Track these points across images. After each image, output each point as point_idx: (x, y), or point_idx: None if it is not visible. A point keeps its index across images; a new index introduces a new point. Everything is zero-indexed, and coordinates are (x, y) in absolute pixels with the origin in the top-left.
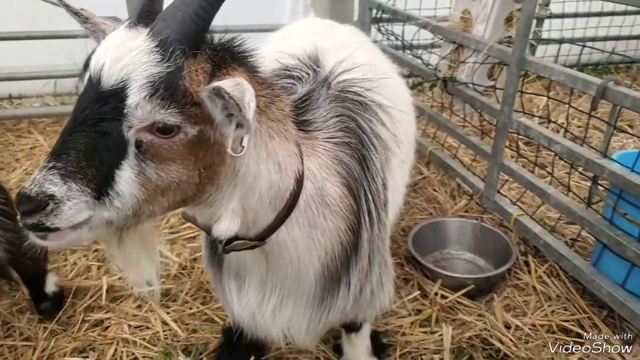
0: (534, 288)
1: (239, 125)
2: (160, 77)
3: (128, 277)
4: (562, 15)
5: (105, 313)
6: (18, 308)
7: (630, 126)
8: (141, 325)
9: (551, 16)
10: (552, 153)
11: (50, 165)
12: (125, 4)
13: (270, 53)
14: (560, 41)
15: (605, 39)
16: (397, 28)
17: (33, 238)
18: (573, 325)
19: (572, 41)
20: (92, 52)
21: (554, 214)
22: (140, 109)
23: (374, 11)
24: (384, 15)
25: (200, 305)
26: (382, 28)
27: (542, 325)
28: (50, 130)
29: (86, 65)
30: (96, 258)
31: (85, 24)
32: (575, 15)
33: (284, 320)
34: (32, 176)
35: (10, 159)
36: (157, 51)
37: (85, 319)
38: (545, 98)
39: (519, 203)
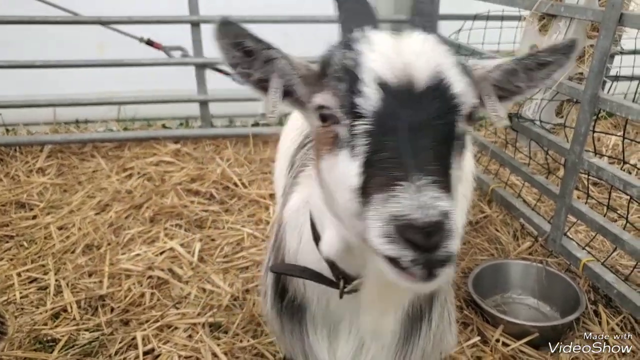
0: (606, 341)
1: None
2: (458, 63)
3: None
4: (634, 52)
5: (157, 342)
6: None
7: None
8: (191, 356)
9: (622, 52)
10: (624, 195)
11: (424, 181)
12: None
13: None
14: (631, 78)
15: None
16: None
17: (424, 283)
18: None
19: None
20: (358, 65)
21: (627, 261)
22: (466, 95)
23: None
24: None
25: (251, 339)
26: None
27: None
28: (112, 155)
29: (353, 79)
30: (150, 285)
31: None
32: None
33: None
34: (409, 202)
35: (73, 181)
36: (440, 42)
37: (137, 346)
38: (614, 137)
39: (588, 248)
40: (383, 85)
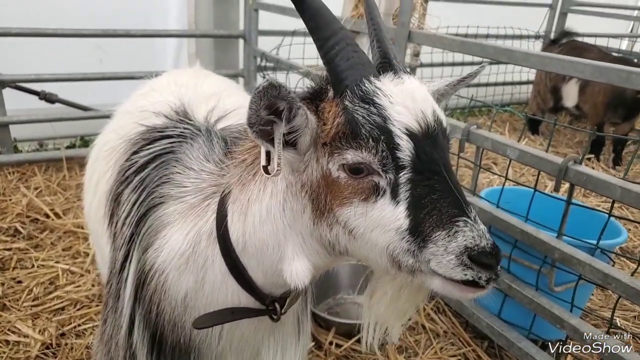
0: (423, 326)
1: None
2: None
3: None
4: (431, 65)
5: None
6: None
7: (495, 163)
8: None
9: (422, 65)
10: None
11: (474, 213)
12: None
13: (133, 112)
14: None
15: (469, 85)
16: (282, 76)
17: (485, 292)
18: (460, 359)
19: None
20: (387, 120)
21: None
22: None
23: (258, 59)
24: (269, 64)
25: None
26: (266, 76)
27: None
28: None
29: (387, 135)
30: None
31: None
32: (442, 64)
33: None
34: (475, 234)
35: None
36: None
37: None
38: None
39: None
40: (412, 136)
